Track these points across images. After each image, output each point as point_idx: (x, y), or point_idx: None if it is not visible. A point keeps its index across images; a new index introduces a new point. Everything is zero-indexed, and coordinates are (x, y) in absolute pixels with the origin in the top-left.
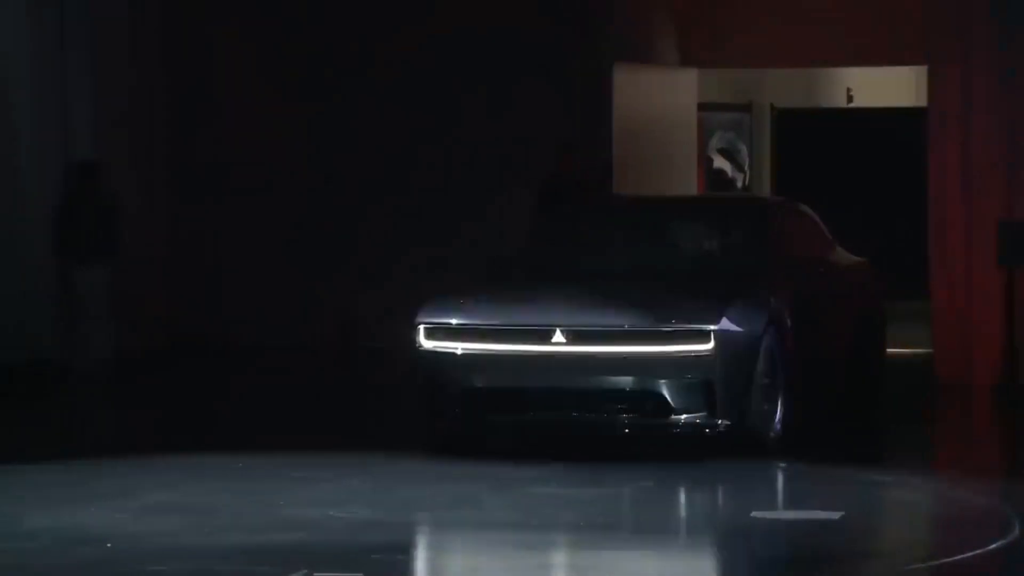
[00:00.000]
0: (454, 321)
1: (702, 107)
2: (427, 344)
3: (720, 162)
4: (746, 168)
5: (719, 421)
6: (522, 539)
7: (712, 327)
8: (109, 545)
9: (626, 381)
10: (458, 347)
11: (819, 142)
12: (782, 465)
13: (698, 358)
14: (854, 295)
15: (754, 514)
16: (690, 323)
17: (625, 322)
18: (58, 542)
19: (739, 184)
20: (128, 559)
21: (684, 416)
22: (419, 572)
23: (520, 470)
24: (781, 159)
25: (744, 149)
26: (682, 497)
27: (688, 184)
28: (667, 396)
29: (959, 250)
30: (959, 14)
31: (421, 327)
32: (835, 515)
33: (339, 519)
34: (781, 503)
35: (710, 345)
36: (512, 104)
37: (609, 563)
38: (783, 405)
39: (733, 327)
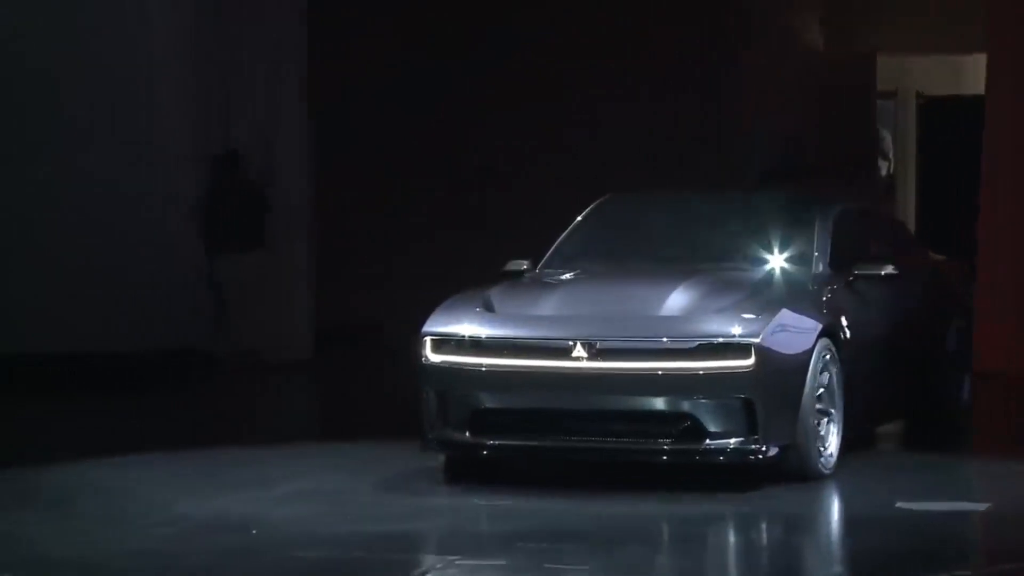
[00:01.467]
0: (465, 333)
1: None
2: (434, 358)
3: None
4: (890, 156)
5: (763, 447)
6: (673, 530)
7: (753, 340)
8: (254, 532)
9: (656, 402)
10: (468, 362)
11: (964, 129)
12: (917, 456)
13: (737, 376)
14: (930, 298)
15: (900, 504)
16: (728, 336)
17: (653, 335)
18: (204, 528)
19: (884, 172)
20: (273, 546)
21: (725, 441)
22: (562, 560)
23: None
24: (926, 146)
25: (889, 137)
26: (825, 488)
27: None
28: (702, 419)
29: (1008, 236)
30: (1018, 2)
31: (427, 339)
32: (982, 506)
33: (481, 506)
34: (926, 494)
35: (751, 361)
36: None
37: (761, 550)
38: (838, 427)
39: (777, 341)
